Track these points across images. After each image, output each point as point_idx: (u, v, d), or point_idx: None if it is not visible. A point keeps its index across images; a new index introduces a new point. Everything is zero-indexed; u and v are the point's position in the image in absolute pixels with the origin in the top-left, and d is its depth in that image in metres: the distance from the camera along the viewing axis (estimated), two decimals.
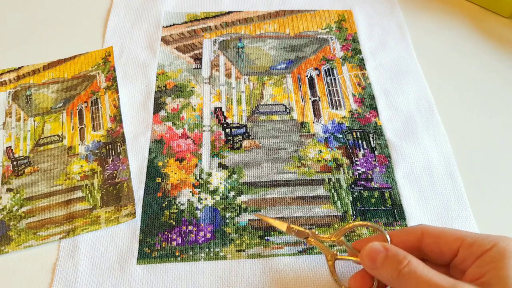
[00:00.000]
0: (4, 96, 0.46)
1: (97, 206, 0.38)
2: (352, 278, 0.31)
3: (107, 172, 0.40)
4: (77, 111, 0.44)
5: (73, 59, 0.49)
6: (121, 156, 0.41)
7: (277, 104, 0.45)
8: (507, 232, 0.37)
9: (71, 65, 0.48)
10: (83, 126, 0.43)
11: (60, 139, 0.43)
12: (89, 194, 0.39)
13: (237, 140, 0.43)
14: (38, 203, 0.39)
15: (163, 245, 0.36)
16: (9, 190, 0.39)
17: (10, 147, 0.42)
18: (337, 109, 0.45)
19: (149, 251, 0.36)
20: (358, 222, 0.34)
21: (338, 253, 0.32)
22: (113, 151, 0.41)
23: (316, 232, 0.33)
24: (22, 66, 0.48)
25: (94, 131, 0.43)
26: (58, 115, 0.44)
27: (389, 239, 0.30)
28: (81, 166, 0.41)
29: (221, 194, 0.39)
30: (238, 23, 0.52)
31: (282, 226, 0.34)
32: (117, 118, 0.43)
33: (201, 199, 0.39)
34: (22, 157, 0.42)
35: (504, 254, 0.25)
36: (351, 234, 0.37)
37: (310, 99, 0.46)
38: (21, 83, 0.47)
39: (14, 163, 0.41)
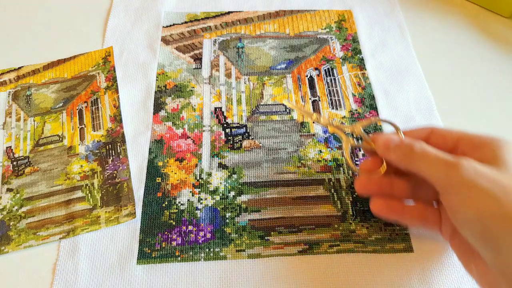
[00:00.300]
0: (4, 96, 0.46)
1: (97, 206, 0.38)
2: (363, 162, 0.35)
3: (107, 172, 0.40)
4: (77, 111, 0.45)
5: (73, 59, 0.49)
6: (121, 156, 0.41)
7: (277, 104, 0.45)
8: None
9: (71, 65, 0.48)
10: (83, 126, 0.43)
11: (60, 139, 0.43)
12: (89, 194, 0.39)
13: (237, 140, 0.43)
14: (38, 203, 0.39)
15: (163, 245, 0.36)
16: (9, 190, 0.40)
17: (10, 147, 0.42)
18: (337, 109, 0.45)
19: (149, 251, 0.36)
20: (376, 118, 0.41)
21: (352, 141, 0.36)
22: (113, 151, 0.41)
23: (338, 122, 0.37)
24: (22, 66, 0.48)
25: (94, 131, 0.43)
26: (58, 115, 0.44)
27: (403, 136, 0.34)
28: (81, 166, 0.41)
29: (221, 194, 0.39)
30: (238, 23, 0.52)
31: (310, 115, 0.38)
32: (117, 118, 0.43)
33: (201, 199, 0.39)
34: (22, 157, 0.42)
35: (503, 143, 0.29)
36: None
37: (310, 99, 0.46)
38: (21, 83, 0.47)
39: (14, 163, 0.41)
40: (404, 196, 0.34)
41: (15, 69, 0.48)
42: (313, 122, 0.40)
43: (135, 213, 0.37)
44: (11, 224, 0.38)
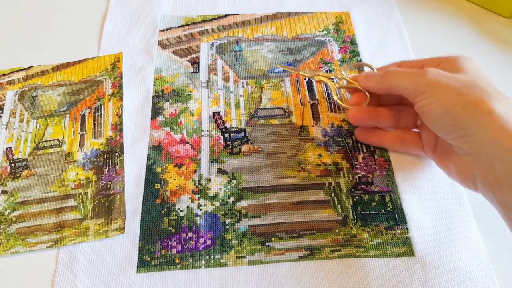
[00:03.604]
0: (11, 95, 0.45)
1: (88, 217, 0.38)
2: (350, 98, 0.40)
3: (102, 182, 0.40)
4: (80, 116, 0.44)
5: (82, 63, 0.48)
6: (117, 167, 0.40)
7: (275, 108, 0.45)
8: (507, 235, 0.37)
9: (80, 69, 0.48)
10: (84, 132, 0.43)
11: (60, 144, 0.42)
12: (81, 204, 0.39)
13: (236, 145, 0.42)
14: (30, 208, 0.38)
15: (163, 253, 0.36)
16: (3, 192, 0.39)
17: (10, 148, 0.42)
18: (336, 112, 0.45)
19: (149, 259, 0.36)
20: (354, 63, 0.46)
21: (337, 84, 0.42)
22: (110, 161, 0.41)
23: (320, 72, 0.43)
24: (32, 66, 0.48)
25: (94, 138, 0.43)
26: (61, 119, 0.44)
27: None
28: (77, 174, 0.40)
29: (220, 200, 0.39)
30: (235, 26, 0.52)
31: (297, 70, 0.44)
32: (118, 127, 0.43)
33: (201, 205, 0.39)
34: (21, 159, 0.41)
35: (460, 56, 0.34)
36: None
37: (309, 102, 0.45)
38: (29, 83, 0.46)
39: (12, 165, 0.41)
40: (388, 124, 0.39)
41: (24, 69, 0.47)
42: (305, 79, 0.45)
43: (124, 228, 0.37)
44: (1, 227, 0.37)
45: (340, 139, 0.43)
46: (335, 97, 0.41)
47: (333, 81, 0.42)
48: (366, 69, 0.45)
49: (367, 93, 0.39)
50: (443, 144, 0.35)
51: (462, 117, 0.29)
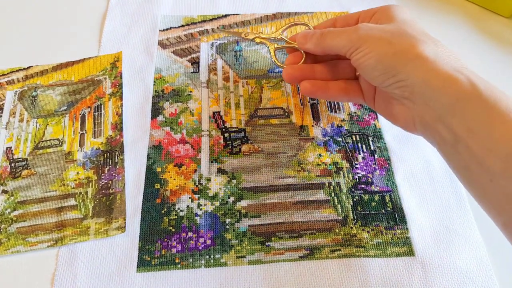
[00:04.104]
0: (11, 95, 0.45)
1: (88, 216, 0.38)
2: (287, 58, 0.41)
3: (102, 182, 0.40)
4: (80, 116, 0.44)
5: (82, 62, 0.48)
6: (117, 166, 0.40)
7: (275, 108, 0.45)
8: None
9: (79, 68, 0.48)
10: (84, 132, 0.43)
11: (60, 143, 0.42)
12: (82, 203, 0.39)
13: (236, 145, 0.42)
14: (31, 207, 0.38)
15: (163, 253, 0.36)
16: (4, 192, 0.39)
17: (10, 147, 0.42)
18: (336, 112, 0.45)
19: (149, 258, 0.36)
20: (291, 22, 0.46)
21: (276, 45, 0.42)
22: (111, 160, 0.41)
23: (262, 35, 0.43)
24: (31, 66, 0.48)
25: (94, 138, 0.43)
26: (61, 119, 0.44)
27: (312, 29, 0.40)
28: (77, 173, 0.40)
29: (220, 200, 0.39)
30: (235, 26, 0.52)
31: (239, 34, 0.45)
32: (118, 127, 0.43)
33: (201, 205, 0.39)
34: (21, 159, 0.41)
35: (392, 6, 0.36)
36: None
37: (308, 102, 0.45)
38: (28, 83, 0.46)
39: (12, 164, 0.41)
40: (327, 78, 0.39)
41: (24, 69, 0.47)
42: (254, 40, 0.44)
43: (125, 227, 0.37)
44: (1, 227, 0.37)
45: (340, 139, 0.43)
46: (272, 57, 0.42)
47: (272, 42, 0.43)
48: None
49: (302, 52, 0.40)
50: (381, 93, 0.36)
51: (393, 64, 0.31)
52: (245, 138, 0.43)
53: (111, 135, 0.43)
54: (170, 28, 0.51)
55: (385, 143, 0.42)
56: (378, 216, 0.38)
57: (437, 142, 0.31)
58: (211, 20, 0.52)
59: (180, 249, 0.36)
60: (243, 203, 0.39)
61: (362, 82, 0.38)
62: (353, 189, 0.39)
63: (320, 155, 0.42)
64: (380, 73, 0.32)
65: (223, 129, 0.43)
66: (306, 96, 0.44)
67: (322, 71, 0.39)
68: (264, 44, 0.43)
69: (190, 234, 0.37)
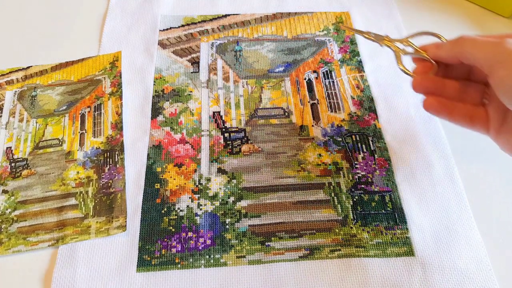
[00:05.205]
0: (10, 95, 0.45)
1: (89, 216, 0.38)
2: (416, 67, 0.38)
3: (103, 181, 0.40)
4: (80, 115, 0.44)
5: (81, 62, 0.48)
6: (118, 165, 0.40)
7: (275, 108, 0.45)
8: (507, 235, 0.37)
9: (78, 68, 0.48)
10: (84, 131, 0.43)
11: (60, 143, 0.42)
12: (82, 202, 0.39)
13: (236, 145, 0.42)
14: (31, 207, 0.38)
15: (163, 252, 0.36)
16: (4, 192, 0.39)
17: (10, 147, 0.42)
18: (336, 112, 0.45)
19: (149, 258, 0.36)
20: (421, 31, 0.41)
21: (403, 51, 0.39)
22: (111, 159, 0.41)
23: (390, 36, 0.40)
24: (31, 66, 0.48)
25: (95, 137, 0.43)
26: (61, 118, 0.44)
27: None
28: (78, 172, 0.40)
29: (220, 200, 0.39)
30: (236, 26, 0.52)
31: (362, 33, 0.42)
32: (118, 126, 0.43)
33: (201, 205, 0.39)
34: (21, 159, 0.41)
35: None
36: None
37: (309, 102, 0.45)
38: (28, 83, 0.46)
39: (12, 164, 0.41)
40: (454, 97, 0.36)
41: (23, 69, 0.47)
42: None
43: (125, 226, 0.37)
44: (2, 227, 0.37)
45: (340, 139, 0.43)
46: (399, 65, 0.39)
47: (400, 48, 0.40)
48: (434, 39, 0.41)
49: (434, 62, 0.37)
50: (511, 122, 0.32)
51: None
52: (245, 138, 0.43)
53: (111, 135, 0.43)
54: (170, 28, 0.51)
55: (385, 143, 0.42)
56: (378, 216, 0.38)
57: None
58: (211, 20, 0.52)
59: (180, 249, 0.36)
60: (243, 203, 0.39)
61: (492, 109, 0.34)
62: (353, 189, 0.39)
63: (320, 155, 0.42)
64: None
65: (223, 129, 0.43)
66: (427, 111, 0.37)
67: (453, 88, 0.36)
68: (390, 48, 0.40)
69: (190, 234, 0.37)
